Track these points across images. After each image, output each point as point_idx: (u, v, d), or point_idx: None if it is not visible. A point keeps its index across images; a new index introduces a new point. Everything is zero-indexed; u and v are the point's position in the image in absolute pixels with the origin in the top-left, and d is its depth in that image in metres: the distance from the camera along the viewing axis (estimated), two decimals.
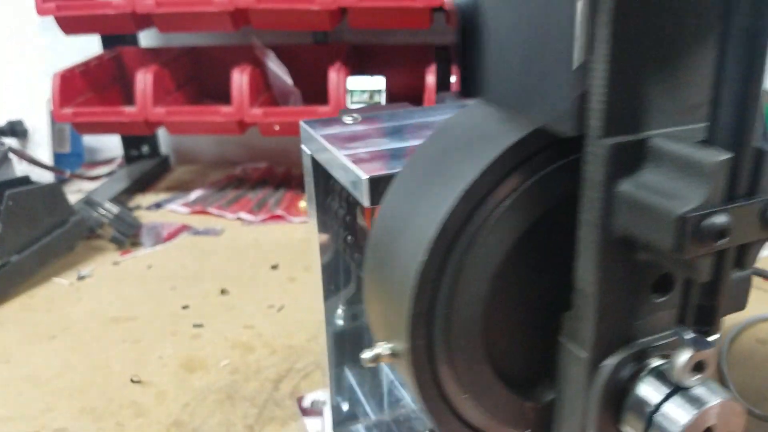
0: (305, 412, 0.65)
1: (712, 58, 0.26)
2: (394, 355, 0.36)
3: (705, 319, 0.31)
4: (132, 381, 0.75)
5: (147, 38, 1.47)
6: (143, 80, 1.16)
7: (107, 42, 1.41)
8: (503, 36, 0.33)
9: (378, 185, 0.40)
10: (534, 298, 0.36)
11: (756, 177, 0.27)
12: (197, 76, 1.40)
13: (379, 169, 0.41)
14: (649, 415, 0.32)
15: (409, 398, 0.64)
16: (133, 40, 1.44)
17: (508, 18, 0.32)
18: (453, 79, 1.16)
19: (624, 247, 0.30)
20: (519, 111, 0.32)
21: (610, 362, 0.32)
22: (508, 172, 0.31)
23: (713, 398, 0.31)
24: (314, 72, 1.22)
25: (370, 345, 0.63)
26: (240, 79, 1.13)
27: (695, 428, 0.31)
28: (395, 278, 0.34)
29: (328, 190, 0.55)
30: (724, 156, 0.26)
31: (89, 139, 1.54)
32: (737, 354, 0.76)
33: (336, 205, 0.56)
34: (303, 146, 0.53)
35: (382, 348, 0.36)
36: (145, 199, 1.32)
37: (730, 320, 0.81)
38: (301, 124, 0.53)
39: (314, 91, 1.24)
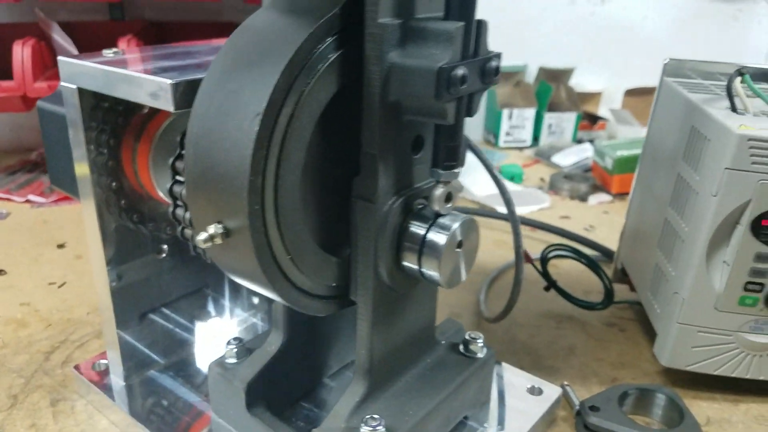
0: (89, 377, 0.63)
1: None
2: (227, 234, 0.39)
3: (452, 157, 0.41)
4: None
5: None
6: None
7: None
8: None
9: (183, 90, 0.42)
10: (333, 167, 0.42)
11: (477, 42, 0.38)
12: None
13: (180, 77, 0.43)
14: (420, 245, 0.42)
15: (193, 338, 0.66)
16: None
17: None
18: None
19: (394, 112, 0.39)
20: None
21: (392, 208, 0.41)
22: (316, 49, 0.37)
23: (457, 222, 0.42)
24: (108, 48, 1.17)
25: (138, 304, 0.65)
26: (21, 52, 1.06)
27: (451, 245, 0.42)
28: (228, 157, 0.36)
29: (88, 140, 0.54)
30: (459, 24, 0.36)
31: None
32: (495, 290, 0.85)
33: (94, 154, 0.55)
34: (65, 83, 0.50)
35: (215, 228, 0.39)
36: None
37: (493, 264, 0.91)
38: (61, 59, 0.51)
39: None
